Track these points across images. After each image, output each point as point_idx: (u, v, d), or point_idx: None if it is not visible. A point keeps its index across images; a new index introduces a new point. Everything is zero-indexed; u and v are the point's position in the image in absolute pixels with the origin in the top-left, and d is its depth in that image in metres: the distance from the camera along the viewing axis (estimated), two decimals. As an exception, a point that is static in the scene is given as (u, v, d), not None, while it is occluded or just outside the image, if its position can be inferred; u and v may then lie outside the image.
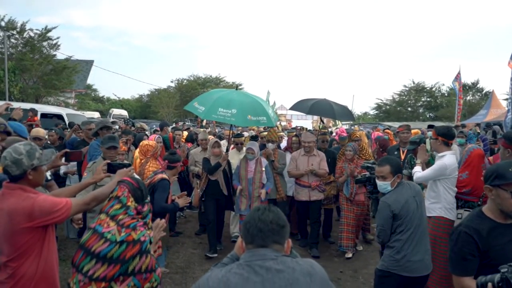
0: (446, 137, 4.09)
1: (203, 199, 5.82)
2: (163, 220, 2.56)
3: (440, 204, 4.03)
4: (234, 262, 1.70)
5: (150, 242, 2.25)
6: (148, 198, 2.36)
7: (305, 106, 6.66)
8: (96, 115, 21.05)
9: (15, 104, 8.28)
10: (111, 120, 12.70)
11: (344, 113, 6.88)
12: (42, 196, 2.25)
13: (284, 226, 1.61)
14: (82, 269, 2.07)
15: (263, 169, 5.67)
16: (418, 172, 4.20)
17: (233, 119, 5.13)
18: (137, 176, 2.48)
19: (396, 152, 6.13)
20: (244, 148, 6.55)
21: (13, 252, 2.19)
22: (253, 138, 7.99)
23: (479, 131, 8.64)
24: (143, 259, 2.10)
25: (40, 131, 5.48)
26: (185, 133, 8.76)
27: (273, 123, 5.63)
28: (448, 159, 4.00)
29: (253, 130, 11.55)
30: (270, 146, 5.93)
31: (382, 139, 7.91)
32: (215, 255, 5.58)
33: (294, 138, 6.58)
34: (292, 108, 6.96)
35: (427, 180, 4.17)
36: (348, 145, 5.98)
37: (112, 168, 2.78)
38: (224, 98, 5.28)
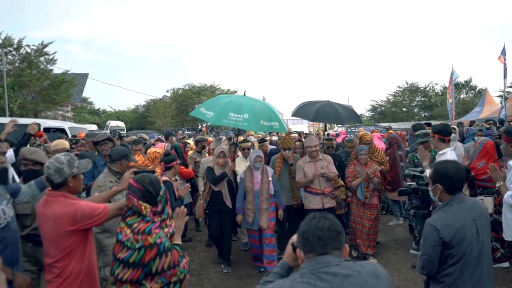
0: (442, 134, 4.16)
1: (207, 211, 5.53)
2: (182, 207, 2.64)
3: None
4: (286, 270, 1.76)
5: (173, 234, 2.37)
6: (161, 192, 2.34)
7: (309, 112, 6.22)
8: (94, 128, 21.21)
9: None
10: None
11: (349, 115, 6.45)
12: (83, 202, 2.47)
13: (341, 232, 1.61)
14: (114, 272, 2.28)
15: (270, 178, 5.24)
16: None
17: (246, 124, 4.91)
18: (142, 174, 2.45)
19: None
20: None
21: (59, 253, 2.40)
22: (262, 141, 7.77)
23: (488, 126, 8.99)
24: (163, 259, 2.24)
25: (66, 143, 5.78)
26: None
27: (285, 128, 5.46)
28: (450, 155, 4.15)
29: (252, 135, 11.29)
30: (286, 153, 5.75)
31: (392, 137, 7.86)
32: (228, 268, 5.46)
33: (297, 143, 6.51)
34: (295, 115, 6.51)
35: None
36: (361, 149, 5.74)
37: None
38: (233, 103, 5.09)
